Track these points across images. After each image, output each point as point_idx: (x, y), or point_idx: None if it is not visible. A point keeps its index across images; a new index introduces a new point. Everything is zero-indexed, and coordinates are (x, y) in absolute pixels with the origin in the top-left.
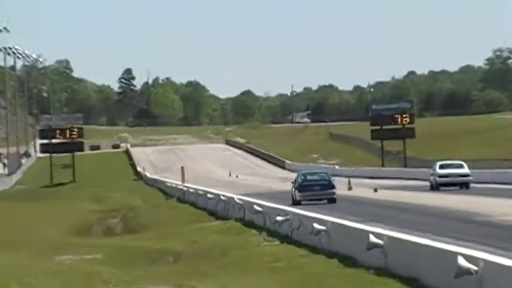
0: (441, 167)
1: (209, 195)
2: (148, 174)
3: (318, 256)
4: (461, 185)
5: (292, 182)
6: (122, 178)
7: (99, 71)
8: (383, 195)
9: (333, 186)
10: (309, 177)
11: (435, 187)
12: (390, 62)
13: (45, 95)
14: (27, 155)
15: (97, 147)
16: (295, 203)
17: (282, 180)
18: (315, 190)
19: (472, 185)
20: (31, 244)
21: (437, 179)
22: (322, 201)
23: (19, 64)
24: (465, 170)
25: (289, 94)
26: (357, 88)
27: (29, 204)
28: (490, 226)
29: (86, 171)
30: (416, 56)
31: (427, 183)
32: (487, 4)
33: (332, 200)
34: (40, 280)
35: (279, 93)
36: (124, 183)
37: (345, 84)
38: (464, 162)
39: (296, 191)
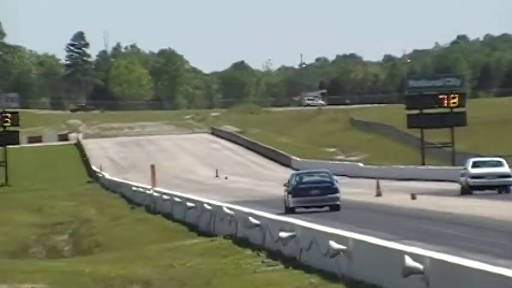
0: (475, 165)
1: (189, 204)
2: (107, 175)
3: (335, 286)
4: (500, 188)
5: (285, 185)
6: (72, 180)
7: (40, 37)
8: (423, 202)
9: (337, 190)
10: (305, 179)
11: (467, 190)
12: (433, 24)
13: None
14: None
15: (38, 139)
16: (289, 210)
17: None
18: (313, 195)
19: None
20: None
21: (469, 180)
22: (323, 209)
23: None
24: (505, 169)
25: (296, 67)
26: (388, 59)
27: None
28: None
29: (23, 170)
30: (468, 16)
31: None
32: None
33: (335, 207)
34: None
35: (283, 65)
36: (74, 187)
37: (371, 54)
38: None
39: (289, 196)
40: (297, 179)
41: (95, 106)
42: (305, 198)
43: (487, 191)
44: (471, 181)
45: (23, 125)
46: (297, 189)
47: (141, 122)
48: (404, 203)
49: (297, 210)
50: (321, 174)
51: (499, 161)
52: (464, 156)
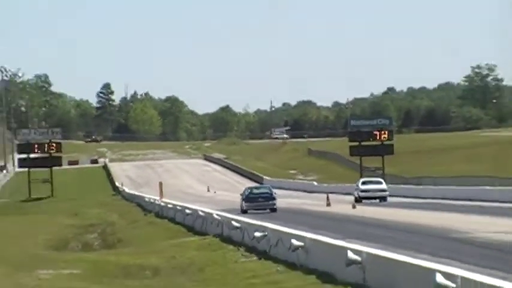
0: (363, 183)
1: (187, 211)
2: (126, 189)
3: (295, 272)
4: (380, 199)
5: (241, 194)
6: (100, 193)
7: (77, 86)
8: (361, 211)
9: (274, 198)
10: (254, 191)
11: (358, 200)
12: (369, 79)
13: (23, 109)
14: (3, 169)
15: (75, 162)
16: (243, 211)
17: None
18: (259, 201)
19: (449, 201)
20: (8, 259)
21: (359, 193)
22: (265, 211)
23: None
24: (383, 186)
25: (268, 110)
26: (336, 104)
27: (7, 219)
28: (462, 243)
29: (64, 186)
30: (395, 72)
31: (405, 200)
32: (465, 21)
33: (273, 210)
34: None
35: (258, 109)
36: (102, 198)
37: (323, 100)
38: (443, 178)
39: (243, 202)
40: (249, 191)
41: (110, 138)
42: (253, 203)
43: (372, 200)
44: (361, 194)
45: (64, 151)
46: (248, 198)
47: (152, 150)
48: (347, 211)
49: (248, 211)
50: (264, 188)
51: (380, 181)
52: (391, 177)
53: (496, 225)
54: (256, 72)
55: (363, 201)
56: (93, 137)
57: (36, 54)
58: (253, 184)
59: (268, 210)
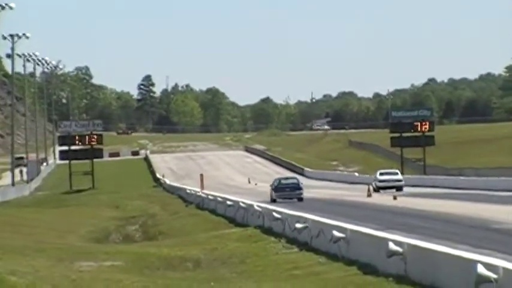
0: (381, 174)
1: (228, 203)
2: (167, 181)
3: (337, 264)
4: (396, 188)
5: (270, 185)
6: (141, 185)
7: (118, 78)
8: (402, 202)
9: (301, 188)
10: (283, 182)
11: (376, 190)
12: (410, 70)
13: (64, 101)
14: (43, 161)
15: (116, 154)
16: (272, 200)
17: None
18: (286, 191)
19: (488, 192)
20: (50, 250)
21: (377, 183)
22: (292, 200)
23: (38, 71)
24: (399, 176)
25: (308, 101)
26: (377, 95)
27: (49, 211)
28: (504, 234)
29: (105, 178)
30: (436, 63)
31: (446, 191)
32: (507, 12)
33: (300, 199)
34: (59, 287)
35: (299, 100)
36: (143, 190)
37: (364, 92)
38: (484, 169)
39: (273, 192)
40: (277, 182)
41: (151, 130)
42: (282, 193)
43: (388, 190)
44: (378, 184)
45: (105, 143)
46: (277, 188)
47: (193, 142)
48: (388, 202)
49: (277, 200)
50: (292, 179)
51: (396, 172)
52: (432, 168)
53: None
54: (296, 64)
55: (380, 191)
56: (122, 130)
57: (77, 47)
58: (297, 176)
59: (295, 200)
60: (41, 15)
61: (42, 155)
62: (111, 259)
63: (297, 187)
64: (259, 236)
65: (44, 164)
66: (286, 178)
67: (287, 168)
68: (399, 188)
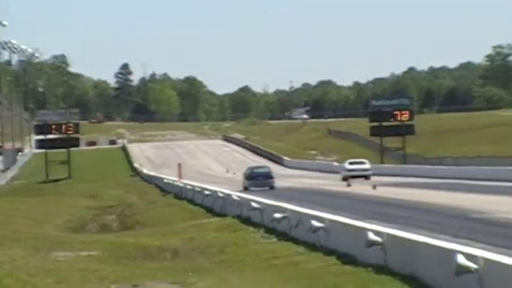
0: (350, 163)
1: (206, 192)
2: (145, 171)
3: (316, 254)
4: (364, 177)
5: (243, 174)
6: (119, 174)
7: (95, 66)
8: (382, 192)
9: (272, 177)
10: (255, 171)
11: (345, 178)
12: (389, 58)
13: (41, 90)
14: (19, 151)
15: (93, 143)
16: (245, 188)
17: (280, 177)
18: (259, 180)
19: (470, 182)
20: (26, 240)
21: (346, 172)
22: (265, 188)
23: (15, 59)
24: (367, 165)
25: (287, 90)
26: (356, 84)
27: (25, 200)
28: (483, 223)
29: (82, 167)
30: (416, 52)
31: (426, 180)
32: (487, 0)
33: (271, 187)
34: (36, 277)
35: (277, 89)
36: (120, 179)
37: (343, 80)
38: (464, 158)
39: (245, 180)
40: (250, 171)
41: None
42: (254, 181)
43: (356, 179)
44: (347, 173)
45: (82, 132)
46: (249, 176)
47: (171, 131)
48: (367, 192)
49: (249, 188)
50: (264, 168)
51: (364, 161)
52: (412, 157)
53: None
54: (275, 52)
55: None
56: (96, 119)
57: (54, 35)
58: (273, 165)
59: (267, 188)
60: (18, 3)
61: (18, 144)
62: (88, 249)
63: (269, 176)
64: (237, 225)
65: (19, 153)
66: (258, 167)
67: (266, 157)
68: (367, 177)
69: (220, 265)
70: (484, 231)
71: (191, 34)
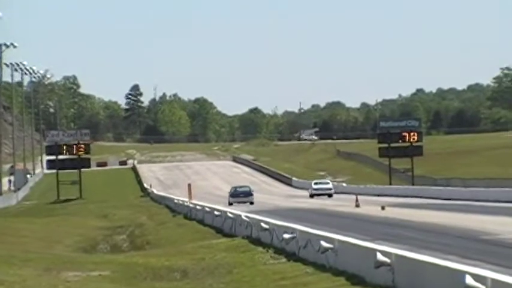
0: (315, 183)
1: (216, 213)
2: (155, 191)
3: (325, 274)
4: (327, 195)
5: (229, 192)
6: (129, 195)
7: (106, 87)
8: (390, 212)
9: (252, 195)
10: (238, 189)
11: (311, 196)
12: (398, 80)
13: (52, 111)
14: (27, 173)
15: (104, 164)
16: (229, 203)
17: (288, 197)
18: (240, 197)
19: (478, 203)
20: (37, 260)
21: (312, 191)
22: (246, 203)
23: (26, 80)
24: (329, 185)
25: (296, 111)
26: (365, 105)
27: (36, 220)
28: (492, 244)
29: (93, 187)
30: (424, 73)
31: (434, 201)
32: (495, 22)
33: (251, 203)
34: None
35: (286, 110)
36: (131, 199)
37: (352, 102)
38: (472, 180)
39: (230, 197)
40: (234, 189)
41: (138, 140)
42: (237, 198)
43: (321, 197)
44: (313, 191)
45: (92, 153)
46: (233, 194)
47: (181, 152)
48: (376, 213)
49: (233, 204)
50: (245, 187)
51: (328, 182)
52: (420, 179)
53: None
54: (285, 74)
55: (315, 197)
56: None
57: (65, 56)
58: (282, 185)
59: (248, 203)
60: (29, 24)
61: (29, 166)
62: (99, 269)
63: (249, 193)
64: (246, 246)
65: (28, 176)
66: (241, 187)
67: (274, 178)
68: (330, 195)
69: (229, 285)
70: (493, 252)
71: (201, 55)
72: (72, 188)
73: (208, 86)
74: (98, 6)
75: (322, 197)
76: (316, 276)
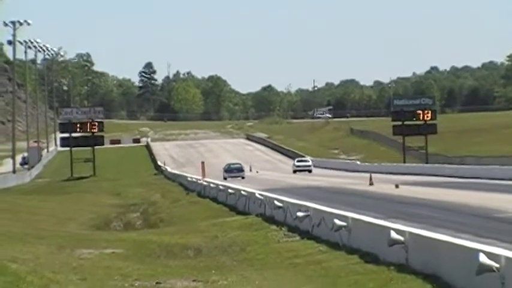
0: (297, 161)
1: (230, 191)
2: (168, 169)
3: (338, 252)
4: (307, 171)
5: (223, 168)
6: (142, 172)
7: (120, 65)
8: (404, 191)
9: (243, 170)
10: (231, 166)
11: (294, 171)
12: (412, 58)
13: (65, 88)
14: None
15: (117, 141)
16: (224, 178)
17: (303, 175)
18: (234, 172)
19: (492, 181)
20: (51, 238)
21: (295, 167)
22: (238, 178)
23: (40, 57)
24: (309, 163)
25: (310, 89)
26: (378, 83)
27: (49, 198)
28: (506, 222)
29: (106, 165)
30: (438, 51)
31: (448, 179)
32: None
33: (243, 178)
34: (60, 274)
35: (300, 88)
36: (144, 177)
37: (366, 80)
38: (486, 157)
39: (224, 172)
40: (227, 166)
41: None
42: (230, 173)
43: (303, 173)
44: (295, 168)
45: (106, 131)
46: (227, 170)
47: (194, 130)
48: (390, 191)
49: (227, 179)
50: (237, 164)
51: (307, 159)
52: (434, 156)
53: None
54: (298, 52)
55: (297, 172)
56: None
57: (79, 33)
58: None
59: (240, 178)
60: (43, 2)
61: (42, 144)
62: (112, 246)
63: (241, 169)
64: (260, 224)
65: (44, 151)
66: (234, 164)
67: (288, 156)
68: (310, 171)
69: (243, 263)
70: (507, 230)
71: (215, 33)
72: (85, 166)
73: (222, 64)
74: None
75: (337, 176)
76: (329, 254)
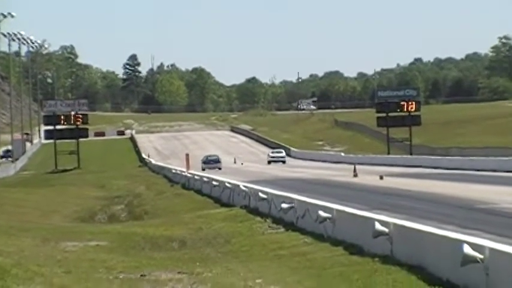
0: (272, 152)
1: (214, 183)
2: (153, 161)
3: (323, 244)
4: (281, 162)
5: (201, 160)
6: (127, 165)
7: (104, 57)
8: (388, 182)
9: (220, 162)
10: (209, 158)
11: (269, 162)
12: (396, 49)
13: (49, 81)
14: (28, 140)
15: (102, 134)
16: (202, 169)
17: (287, 167)
18: (211, 163)
19: (476, 172)
20: (35, 230)
21: (269, 158)
22: (215, 169)
23: (24, 50)
24: (283, 154)
25: (294, 81)
26: (362, 75)
27: (34, 191)
28: (490, 214)
29: (91, 157)
30: (422, 43)
31: (432, 171)
32: None
33: (219, 169)
34: (44, 267)
35: (285, 80)
36: (129, 169)
37: (350, 71)
38: (470, 149)
39: (202, 163)
40: (205, 158)
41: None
42: (208, 164)
43: (277, 163)
44: (270, 159)
45: (90, 123)
46: (205, 162)
47: (179, 122)
48: (375, 182)
49: (205, 170)
50: (214, 156)
51: (281, 151)
52: (418, 148)
53: None
54: (283, 44)
55: (272, 163)
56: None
57: (63, 26)
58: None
59: (217, 169)
60: None
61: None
62: (96, 239)
63: (218, 161)
64: (245, 216)
65: (28, 143)
66: (211, 155)
67: (273, 148)
68: (283, 162)
69: (227, 255)
70: (491, 222)
71: (199, 25)
72: (70, 158)
73: (206, 56)
74: None
75: (321, 167)
76: (314, 246)
